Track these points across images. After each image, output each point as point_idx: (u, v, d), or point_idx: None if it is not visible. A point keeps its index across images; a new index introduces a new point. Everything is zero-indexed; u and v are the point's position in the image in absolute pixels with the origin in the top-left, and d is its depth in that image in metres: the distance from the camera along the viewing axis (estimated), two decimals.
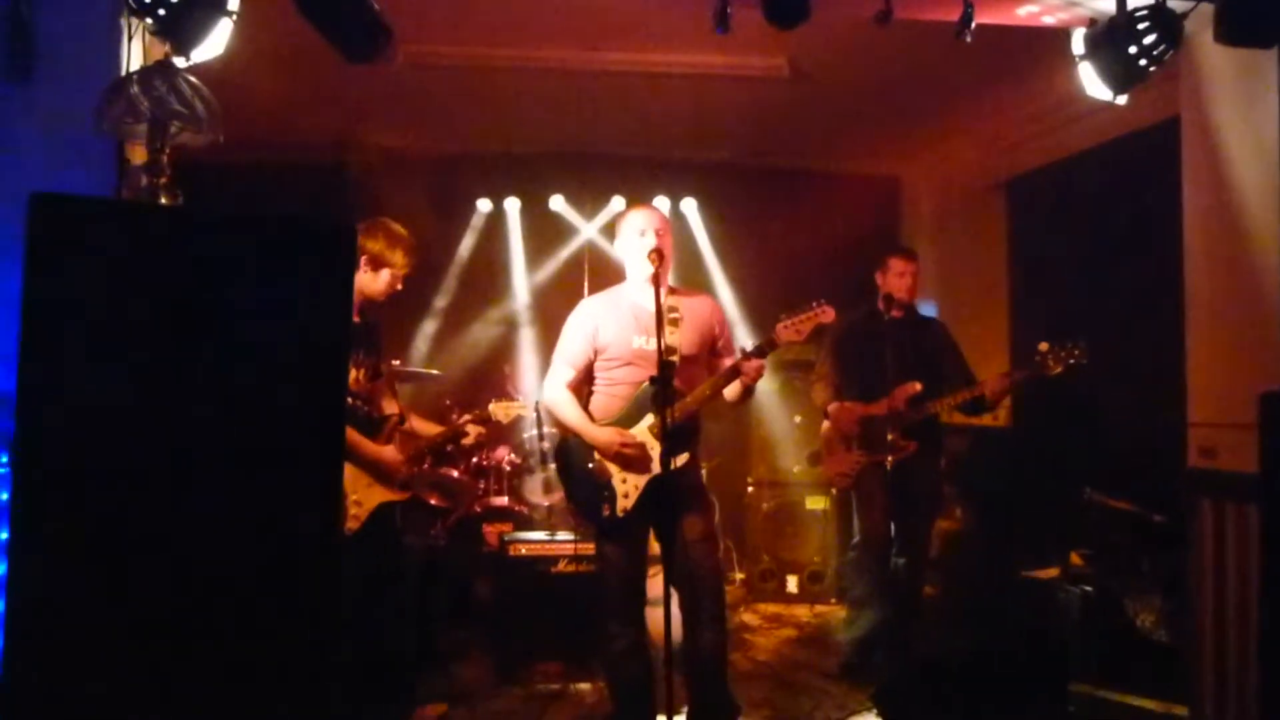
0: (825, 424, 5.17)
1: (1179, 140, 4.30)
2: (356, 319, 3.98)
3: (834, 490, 6.50)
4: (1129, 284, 5.64)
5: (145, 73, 3.24)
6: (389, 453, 3.99)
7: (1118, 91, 3.95)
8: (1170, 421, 4.32)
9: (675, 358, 3.77)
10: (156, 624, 2.39)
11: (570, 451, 4.00)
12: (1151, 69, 3.81)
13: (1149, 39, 3.74)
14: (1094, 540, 5.33)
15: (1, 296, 3.13)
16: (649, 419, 3.83)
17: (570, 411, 3.96)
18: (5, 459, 3.13)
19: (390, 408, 4.18)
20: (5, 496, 3.00)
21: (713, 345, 4.07)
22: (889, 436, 4.68)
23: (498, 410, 4.49)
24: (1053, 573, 5.20)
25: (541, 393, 4.08)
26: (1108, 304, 5.77)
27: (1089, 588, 4.91)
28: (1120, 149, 5.72)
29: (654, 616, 4.11)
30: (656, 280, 3.68)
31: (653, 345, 3.72)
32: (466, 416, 4.48)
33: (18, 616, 2.32)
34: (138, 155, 3.30)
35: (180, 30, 3.39)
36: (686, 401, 3.83)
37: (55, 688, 2.31)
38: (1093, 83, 3.98)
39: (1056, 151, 6.46)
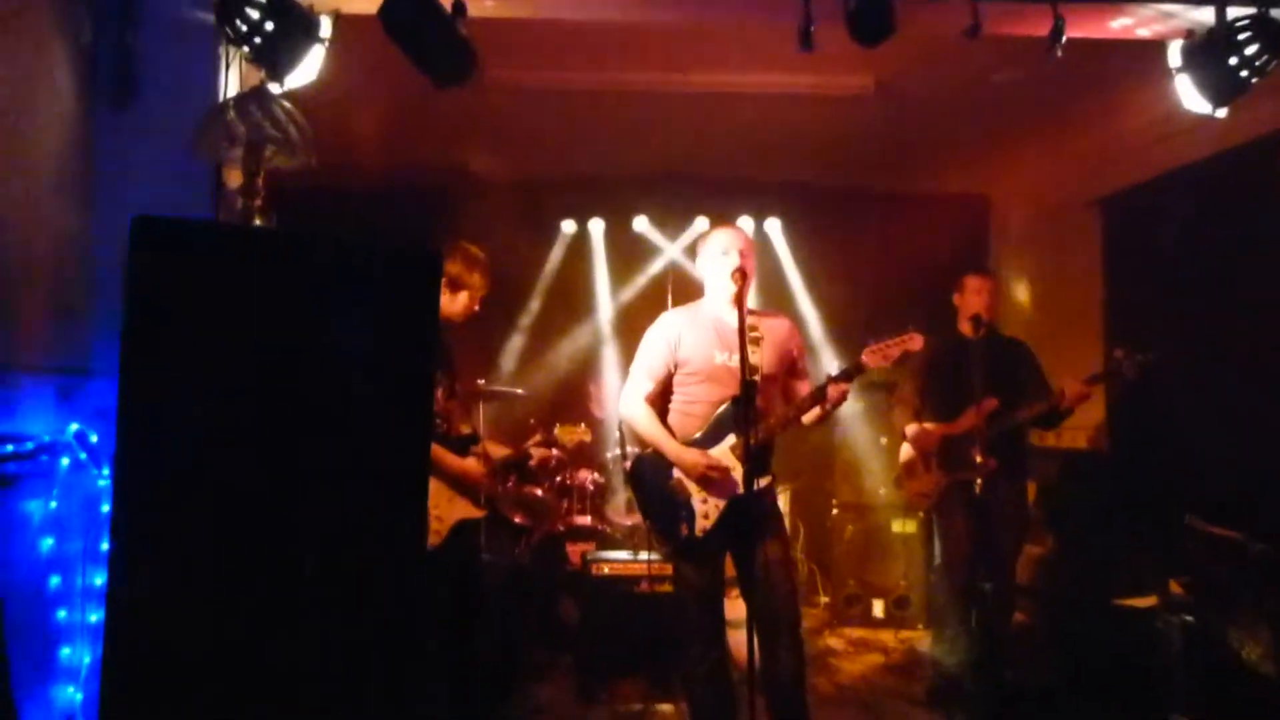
0: (905, 446, 5.11)
1: None
2: None
3: (921, 514, 6.39)
4: (1231, 304, 5.44)
5: (241, 99, 3.36)
6: (472, 465, 4.03)
7: (1217, 104, 3.84)
8: (1276, 446, 4.16)
9: (756, 377, 3.74)
10: (251, 634, 2.45)
11: (647, 468, 3.95)
12: (1253, 80, 3.69)
13: (1250, 49, 3.64)
14: (1193, 569, 5.14)
15: (107, 318, 3.26)
16: (730, 439, 3.80)
17: (651, 426, 3.92)
18: (108, 472, 3.24)
19: (465, 428, 4.24)
20: (107, 509, 3.11)
21: (790, 367, 4.03)
22: (965, 456, 4.59)
23: (561, 434, 4.52)
24: (1150, 601, 5.03)
25: (620, 405, 4.06)
26: (1209, 324, 5.58)
27: (1190, 617, 4.73)
28: (1220, 164, 5.54)
29: (735, 639, 4.08)
30: (739, 300, 3.65)
31: (734, 361, 3.69)
32: (532, 440, 4.51)
33: (118, 627, 2.39)
34: (233, 179, 3.41)
35: (274, 57, 3.51)
36: (770, 423, 3.79)
37: (152, 699, 2.38)
38: (1191, 96, 3.88)
39: (1153, 168, 6.28)
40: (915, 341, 3.71)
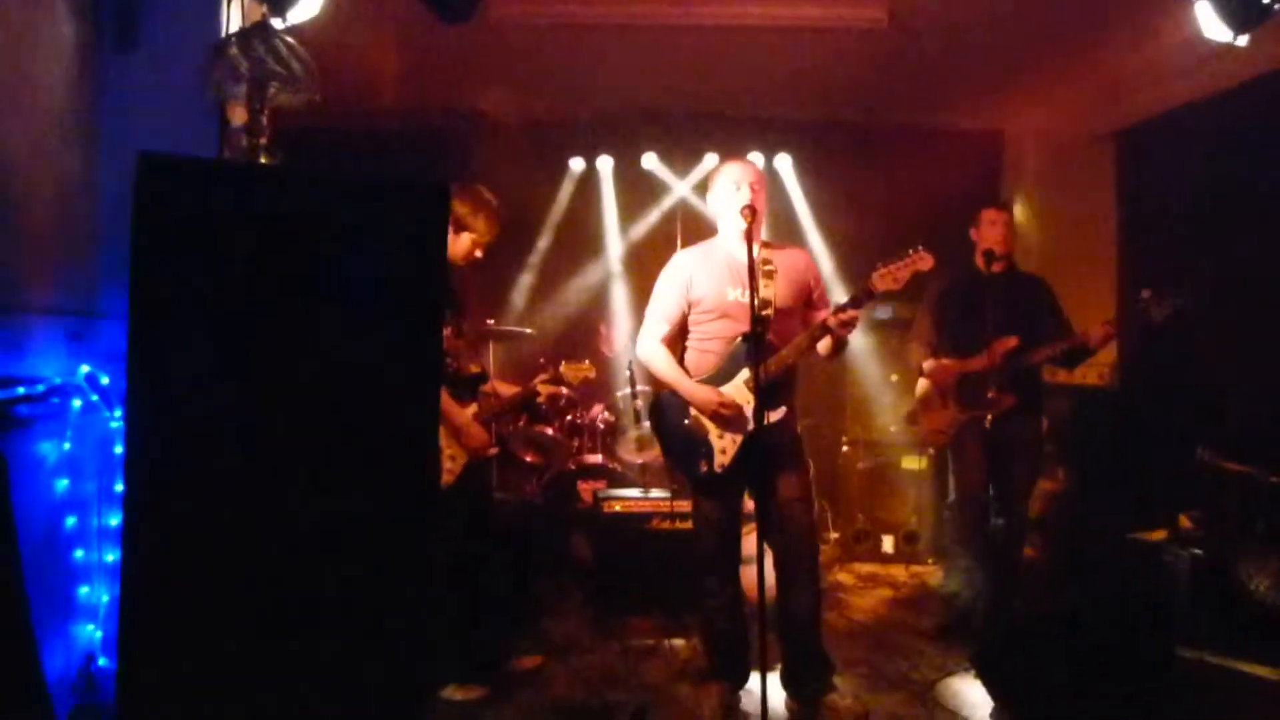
0: (921, 381, 5.09)
1: None
2: None
3: (931, 449, 6.41)
4: (1246, 239, 5.38)
5: (244, 34, 3.31)
6: (465, 419, 4.03)
7: (1238, 31, 3.76)
8: None
9: (770, 311, 3.72)
10: (267, 573, 2.47)
11: (665, 408, 3.98)
12: (1277, 6, 3.60)
13: None
14: (1205, 503, 5.16)
15: (115, 259, 3.25)
16: (744, 374, 3.79)
17: (666, 367, 3.94)
18: (119, 413, 3.26)
19: (474, 367, 4.24)
20: (120, 450, 3.13)
21: (807, 298, 4.00)
22: (983, 393, 4.59)
23: (567, 372, 4.53)
24: (1160, 535, 5.05)
25: (636, 348, 4.06)
26: (1222, 260, 5.52)
27: (1199, 550, 4.75)
28: (1240, 97, 5.45)
29: (748, 574, 4.11)
30: (749, 236, 3.60)
31: (747, 297, 3.68)
32: (540, 378, 4.52)
33: (134, 566, 2.42)
34: (238, 116, 3.38)
35: None
36: (781, 355, 3.78)
37: (171, 637, 2.41)
38: (1211, 23, 3.79)
39: (1170, 101, 6.18)
40: (925, 261, 3.66)
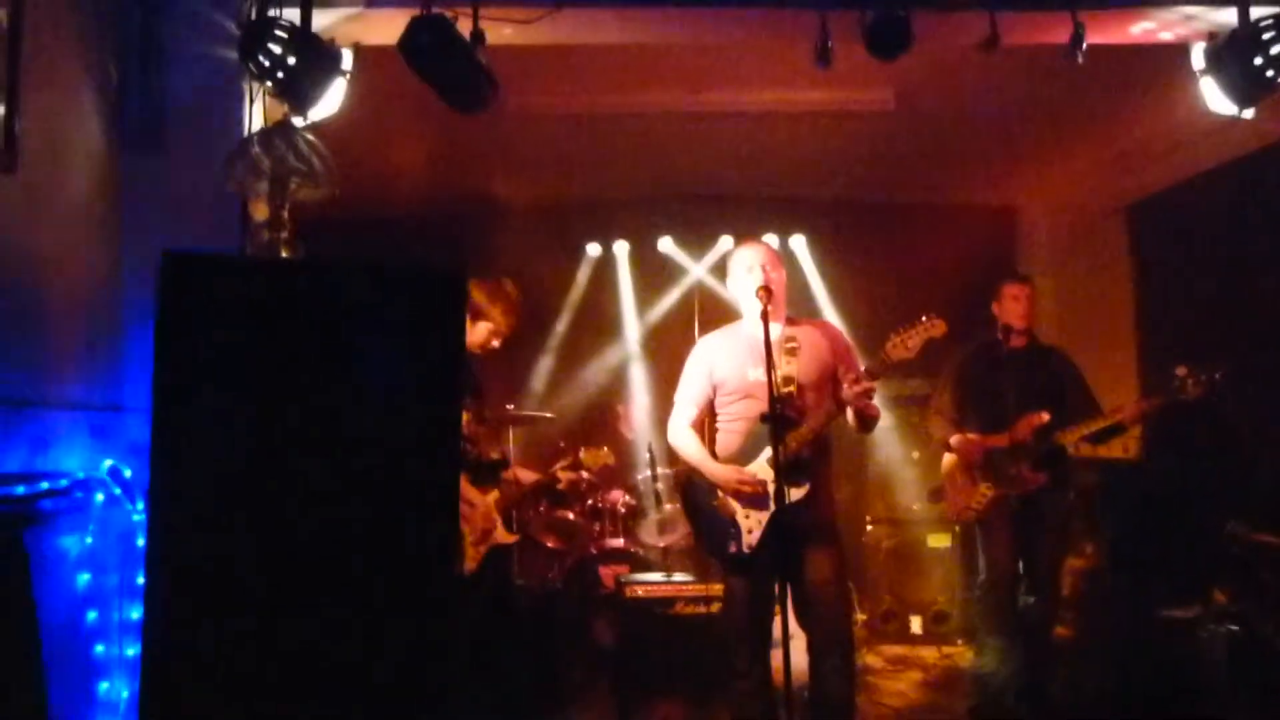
0: (947, 457, 5.03)
1: None
2: None
3: (957, 527, 6.32)
4: (1264, 307, 5.37)
5: (265, 133, 3.40)
6: (476, 498, 4.02)
7: (1243, 106, 3.80)
8: None
9: (792, 387, 3.74)
10: (289, 665, 2.45)
11: (694, 490, 4.00)
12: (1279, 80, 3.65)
13: (1276, 48, 3.60)
14: (1238, 577, 5.05)
15: (138, 354, 3.29)
16: (767, 452, 3.78)
17: (694, 449, 3.97)
18: (142, 506, 3.26)
19: (495, 453, 4.25)
20: (142, 543, 3.12)
21: (833, 373, 3.99)
22: (1013, 470, 4.55)
23: (587, 458, 4.54)
24: (1194, 611, 4.94)
25: (668, 434, 4.09)
26: (1242, 328, 5.50)
27: (1235, 626, 4.65)
28: (1249, 167, 5.48)
29: (775, 658, 4.05)
30: (765, 316, 3.63)
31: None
32: (559, 464, 4.52)
33: (155, 660, 2.40)
34: (260, 213, 3.45)
35: (298, 90, 3.55)
36: (801, 432, 3.77)
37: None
38: (1216, 98, 3.84)
39: (1181, 172, 6.23)
40: (937, 326, 3.65)
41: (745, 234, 4.86)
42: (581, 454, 4.53)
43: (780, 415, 3.55)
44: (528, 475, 4.52)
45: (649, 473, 6.32)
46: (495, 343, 4.16)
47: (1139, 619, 5.28)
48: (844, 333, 4.24)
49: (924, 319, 3.66)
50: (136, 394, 3.40)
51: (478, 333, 4.11)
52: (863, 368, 3.77)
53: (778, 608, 3.44)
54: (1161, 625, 5.03)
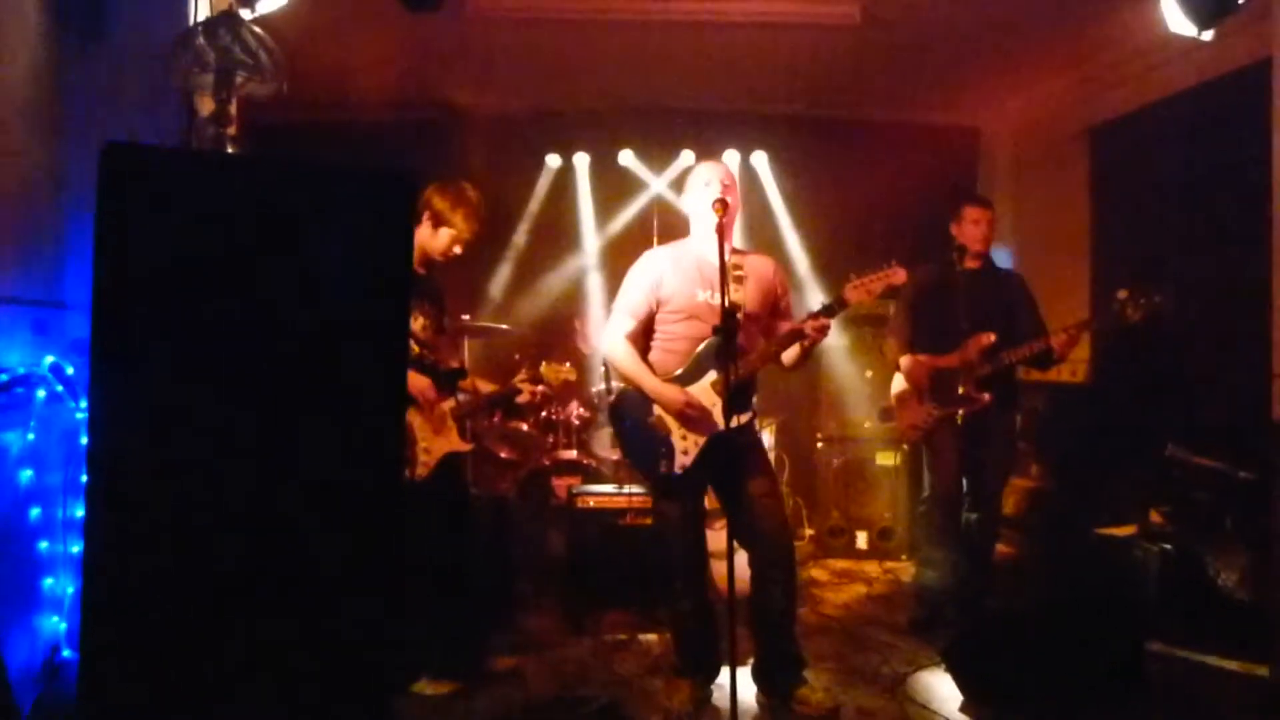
0: (897, 378, 5.08)
1: (1270, 83, 4.10)
2: (421, 271, 4.01)
3: (905, 446, 6.41)
4: (1216, 234, 5.42)
5: (211, 24, 3.28)
6: (434, 403, 4.01)
7: (1203, 26, 3.78)
8: (1258, 376, 4.17)
9: (740, 314, 3.72)
10: (234, 564, 2.44)
11: (627, 405, 3.96)
12: (1240, 1, 3.63)
13: None
14: (1175, 498, 5.19)
15: (81, 250, 3.22)
16: (711, 375, 3.79)
17: (631, 364, 3.90)
18: (84, 404, 3.23)
19: (454, 362, 4.22)
20: (85, 441, 3.09)
21: (774, 306, 4.00)
22: (961, 389, 4.61)
23: (547, 372, 4.51)
24: (1130, 530, 5.08)
25: (601, 342, 4.04)
26: (1193, 254, 5.56)
27: (1168, 545, 4.79)
28: (1209, 94, 5.49)
29: (717, 569, 4.11)
30: (721, 231, 3.59)
31: (716, 299, 3.67)
32: (520, 376, 4.50)
33: (97, 558, 2.39)
34: (205, 107, 3.35)
35: None
36: (751, 358, 3.78)
37: (133, 628, 2.38)
38: (1176, 18, 3.81)
39: (1142, 97, 6.22)
40: (898, 275, 3.68)
41: (707, 149, 4.82)
42: (543, 367, 4.50)
43: (731, 335, 3.53)
44: (486, 386, 4.50)
45: (603, 386, 6.33)
46: (457, 249, 4.09)
47: (1077, 537, 5.42)
48: (783, 270, 4.20)
49: (885, 266, 3.67)
50: (79, 290, 3.33)
51: (440, 239, 4.04)
52: (822, 292, 3.78)
53: (723, 520, 3.48)
54: (1099, 544, 5.17)
